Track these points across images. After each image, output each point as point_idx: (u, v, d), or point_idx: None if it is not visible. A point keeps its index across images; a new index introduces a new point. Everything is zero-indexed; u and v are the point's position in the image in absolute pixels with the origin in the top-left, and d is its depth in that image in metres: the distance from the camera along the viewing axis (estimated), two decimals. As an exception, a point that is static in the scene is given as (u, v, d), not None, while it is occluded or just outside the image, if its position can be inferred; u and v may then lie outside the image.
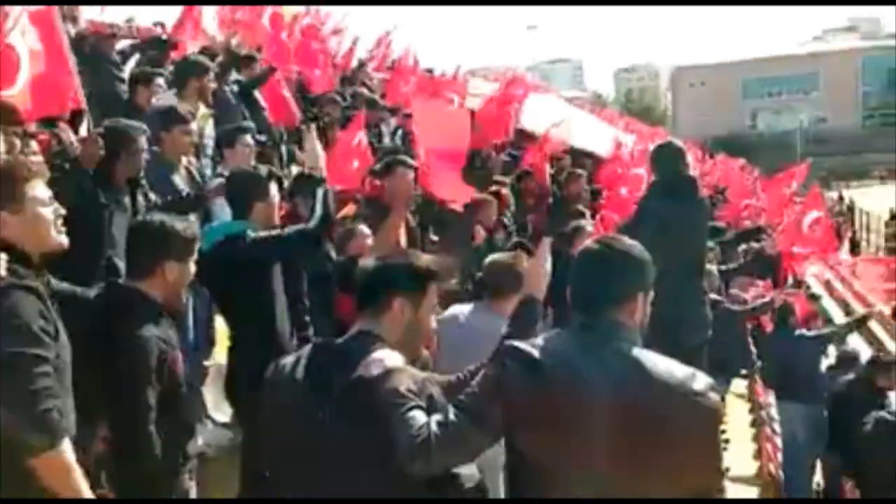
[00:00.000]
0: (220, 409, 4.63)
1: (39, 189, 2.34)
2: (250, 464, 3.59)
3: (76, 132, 3.83)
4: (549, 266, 2.80)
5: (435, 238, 6.36)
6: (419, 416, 1.89)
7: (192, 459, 2.99)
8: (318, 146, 3.72)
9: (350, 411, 1.96)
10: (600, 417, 1.79)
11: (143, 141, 3.87)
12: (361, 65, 11.80)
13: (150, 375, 2.59)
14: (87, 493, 2.20)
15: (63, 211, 2.41)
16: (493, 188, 6.74)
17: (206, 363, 5.00)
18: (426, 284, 2.17)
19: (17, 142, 3.32)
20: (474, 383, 1.97)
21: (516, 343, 1.92)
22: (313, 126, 3.76)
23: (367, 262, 2.17)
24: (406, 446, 1.86)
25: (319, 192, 3.51)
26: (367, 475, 1.96)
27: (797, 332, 7.18)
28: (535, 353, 1.87)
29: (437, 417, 1.89)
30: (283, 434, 2.09)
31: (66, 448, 2.16)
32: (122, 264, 3.09)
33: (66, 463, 2.15)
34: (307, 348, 2.17)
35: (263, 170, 3.86)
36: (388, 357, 2.00)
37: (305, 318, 3.93)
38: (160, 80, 5.45)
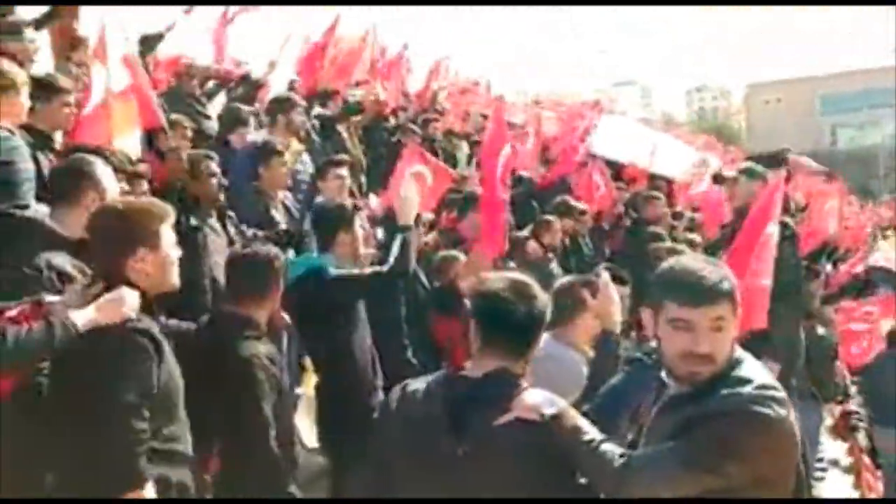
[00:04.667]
0: (309, 435, 4.73)
1: (168, 230, 2.48)
2: (341, 489, 3.67)
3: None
4: (616, 297, 2.80)
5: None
6: (611, 448, 1.91)
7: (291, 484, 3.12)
8: (414, 195, 3.79)
9: (503, 452, 1.93)
10: None
11: (212, 165, 4.09)
12: (434, 95, 11.97)
13: (266, 392, 2.76)
14: None
15: (180, 252, 2.54)
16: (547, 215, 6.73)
17: (297, 390, 5.12)
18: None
19: (126, 185, 3.53)
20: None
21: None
22: (410, 179, 3.84)
23: (518, 303, 2.06)
24: (610, 477, 1.89)
25: (399, 239, 3.59)
26: None
27: None
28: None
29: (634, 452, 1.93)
30: (412, 466, 2.04)
31: (147, 491, 2.26)
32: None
33: None
34: (438, 379, 2.13)
35: (349, 202, 3.99)
36: (552, 396, 2.00)
37: (404, 342, 3.98)
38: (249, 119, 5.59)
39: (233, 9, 7.96)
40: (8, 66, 3.48)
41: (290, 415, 3.34)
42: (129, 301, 2.29)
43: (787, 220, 5.26)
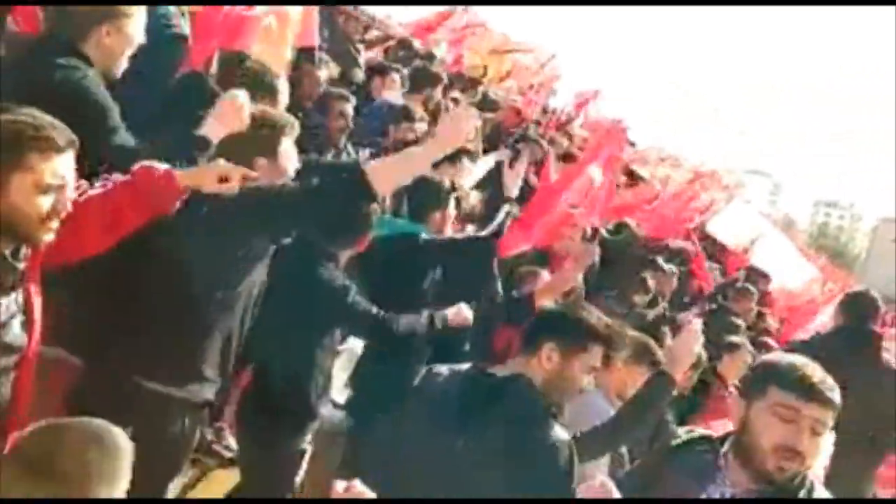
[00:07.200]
0: (341, 392, 4.80)
1: (289, 145, 2.55)
2: (351, 453, 3.71)
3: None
4: (694, 351, 2.71)
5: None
6: None
7: (316, 420, 3.18)
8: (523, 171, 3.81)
9: (501, 452, 1.97)
10: None
11: (347, 107, 4.21)
12: (568, 120, 11.90)
13: (337, 318, 3.05)
14: None
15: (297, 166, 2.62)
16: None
17: (340, 347, 5.19)
18: (586, 341, 2.16)
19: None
20: None
21: None
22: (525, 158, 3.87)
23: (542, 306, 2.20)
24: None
25: (504, 210, 3.63)
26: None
27: None
28: None
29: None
30: (419, 445, 2.09)
31: None
32: None
33: None
34: (465, 368, 2.20)
35: (447, 182, 4.01)
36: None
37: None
38: (395, 77, 5.72)
39: None
40: None
41: (331, 364, 3.41)
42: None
43: None
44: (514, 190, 3.80)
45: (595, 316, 2.22)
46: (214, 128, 2.41)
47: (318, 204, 2.38)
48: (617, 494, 1.92)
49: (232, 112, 2.42)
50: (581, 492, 1.96)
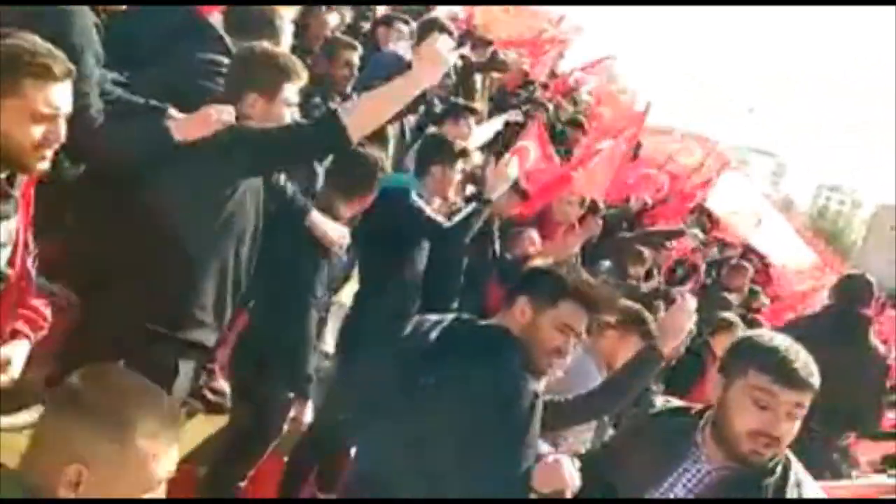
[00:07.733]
0: (327, 342, 4.86)
1: (292, 92, 2.50)
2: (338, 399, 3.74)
3: None
4: (685, 326, 2.66)
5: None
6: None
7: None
8: (513, 174, 3.75)
9: (465, 390, 1.99)
10: None
11: (353, 56, 4.20)
12: (576, 86, 11.77)
13: (321, 270, 2.99)
14: None
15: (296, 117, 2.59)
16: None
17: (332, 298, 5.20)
18: (556, 296, 2.15)
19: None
20: None
21: None
22: (514, 159, 3.80)
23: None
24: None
25: (472, 208, 3.62)
26: (448, 453, 1.96)
27: None
28: None
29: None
30: (394, 387, 2.13)
31: None
32: None
33: None
34: (450, 316, 2.25)
35: (459, 143, 3.97)
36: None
37: (454, 292, 4.00)
38: (402, 28, 5.62)
39: None
40: None
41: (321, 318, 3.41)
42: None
43: None
44: (495, 192, 3.70)
45: (574, 275, 2.20)
46: (183, 128, 2.34)
47: (289, 141, 2.36)
48: (571, 469, 1.95)
49: (207, 122, 2.34)
50: (539, 467, 1.98)
